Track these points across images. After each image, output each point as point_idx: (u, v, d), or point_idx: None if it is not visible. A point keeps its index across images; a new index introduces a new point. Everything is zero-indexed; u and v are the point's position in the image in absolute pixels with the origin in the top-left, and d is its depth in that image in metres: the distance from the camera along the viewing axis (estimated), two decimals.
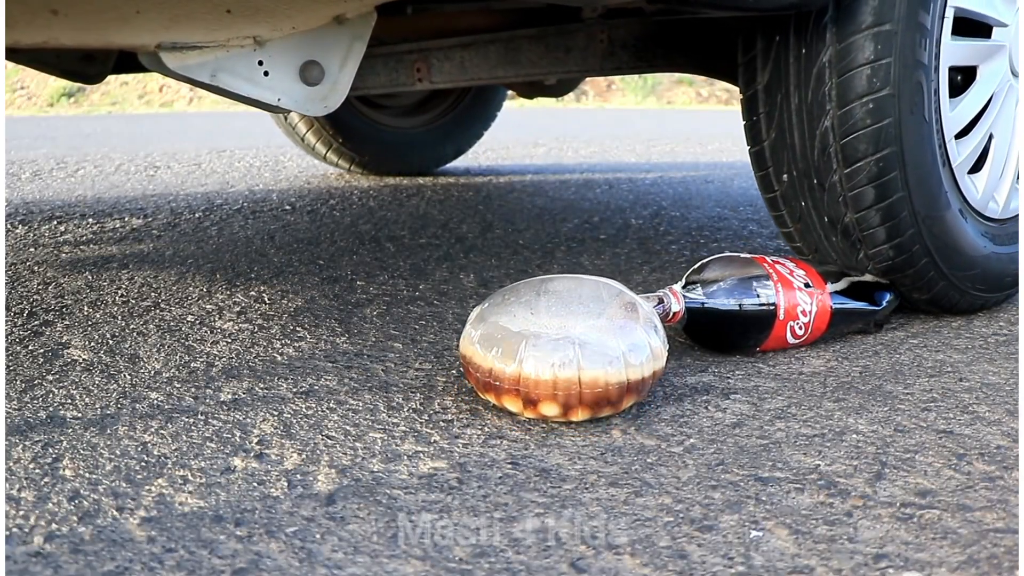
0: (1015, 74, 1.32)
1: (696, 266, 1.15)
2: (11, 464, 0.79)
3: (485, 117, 3.00)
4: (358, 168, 2.87)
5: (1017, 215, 1.38)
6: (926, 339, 1.22)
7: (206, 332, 1.20)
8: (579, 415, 0.88)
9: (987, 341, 1.21)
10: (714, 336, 1.13)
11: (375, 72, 1.83)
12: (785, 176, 1.28)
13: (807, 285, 1.14)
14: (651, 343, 0.91)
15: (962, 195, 1.28)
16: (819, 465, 0.82)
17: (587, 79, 7.29)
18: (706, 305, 1.08)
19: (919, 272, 1.23)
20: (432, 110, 2.88)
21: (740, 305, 1.09)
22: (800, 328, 1.13)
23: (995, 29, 1.27)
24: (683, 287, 1.11)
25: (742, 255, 1.16)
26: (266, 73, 1.02)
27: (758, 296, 1.09)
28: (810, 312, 1.13)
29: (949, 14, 1.21)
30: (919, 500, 0.76)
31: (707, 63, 1.62)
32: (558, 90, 2.48)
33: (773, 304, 1.10)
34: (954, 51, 1.23)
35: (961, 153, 1.27)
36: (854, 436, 0.89)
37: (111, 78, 7.44)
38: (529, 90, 2.38)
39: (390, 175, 2.88)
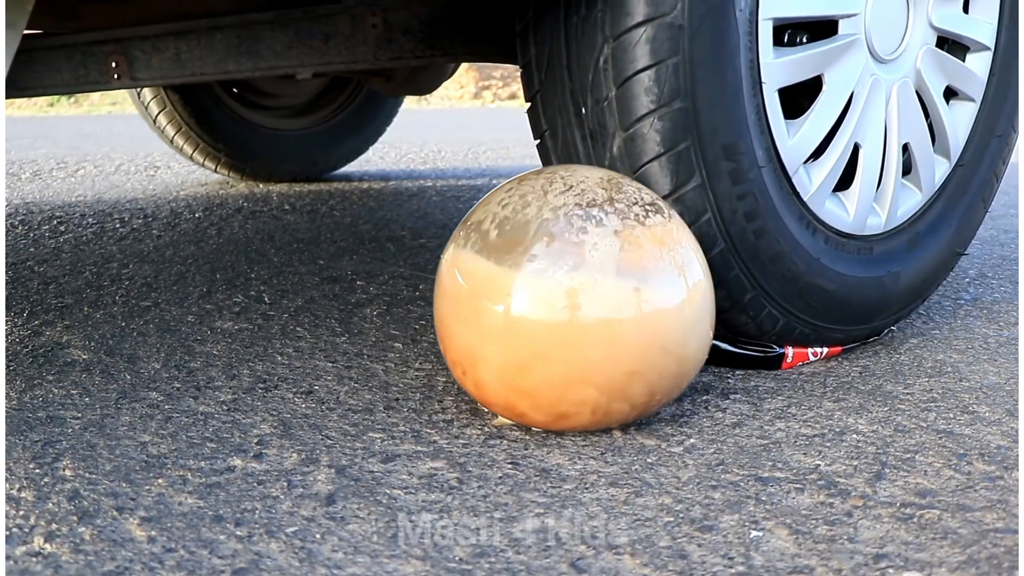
0: (880, 60, 1.12)
1: None
2: (11, 464, 0.79)
3: (383, 114, 2.76)
4: (240, 175, 2.66)
5: (912, 220, 1.21)
6: (926, 339, 1.22)
7: (206, 332, 1.20)
8: None
9: (987, 341, 1.21)
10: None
11: (56, 69, 1.44)
12: None
13: None
14: None
15: (823, 224, 1.10)
16: (819, 465, 0.82)
17: None
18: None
19: (747, 305, 1.05)
20: (322, 109, 2.66)
21: None
22: None
23: (841, 23, 1.07)
24: None
25: None
26: None
27: None
28: None
29: (764, 28, 1.00)
30: (919, 500, 0.76)
31: (500, 48, 1.45)
32: (420, 87, 2.22)
33: None
34: (780, 70, 1.03)
35: (815, 180, 1.08)
36: (854, 436, 0.89)
37: None
38: (388, 87, 2.15)
39: (280, 182, 2.68)
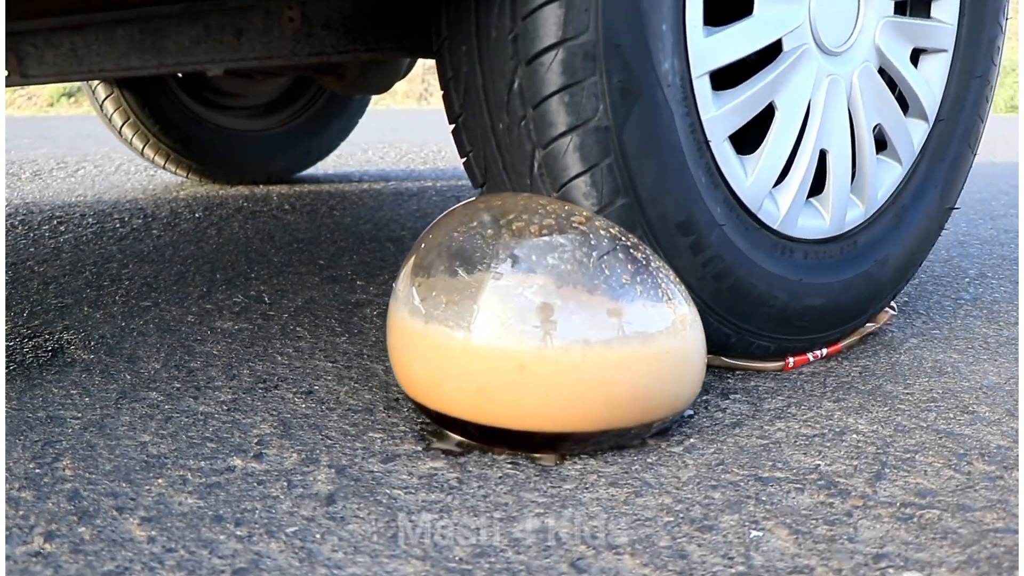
0: (834, 54, 1.06)
1: None
2: (11, 464, 0.79)
3: (349, 113, 2.69)
4: (201, 177, 2.59)
5: (895, 195, 1.16)
6: (926, 339, 1.22)
7: (206, 332, 1.20)
8: None
9: (987, 341, 1.21)
10: None
11: None
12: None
13: None
14: None
15: (799, 241, 1.06)
16: (819, 465, 0.82)
17: None
18: None
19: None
20: (286, 109, 2.59)
21: None
22: None
23: (785, 40, 1.01)
24: None
25: None
26: None
27: None
28: None
29: (700, 85, 0.95)
30: (919, 500, 0.76)
31: (429, 43, 1.36)
32: (373, 85, 2.14)
33: None
34: (725, 119, 0.97)
35: (783, 205, 1.04)
36: (854, 436, 0.89)
37: None
38: (339, 85, 2.08)
39: (241, 183, 2.61)
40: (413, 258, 0.88)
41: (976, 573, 0.65)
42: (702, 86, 0.95)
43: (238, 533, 0.68)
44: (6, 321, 1.23)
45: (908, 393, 1.02)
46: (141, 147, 2.50)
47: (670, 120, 0.93)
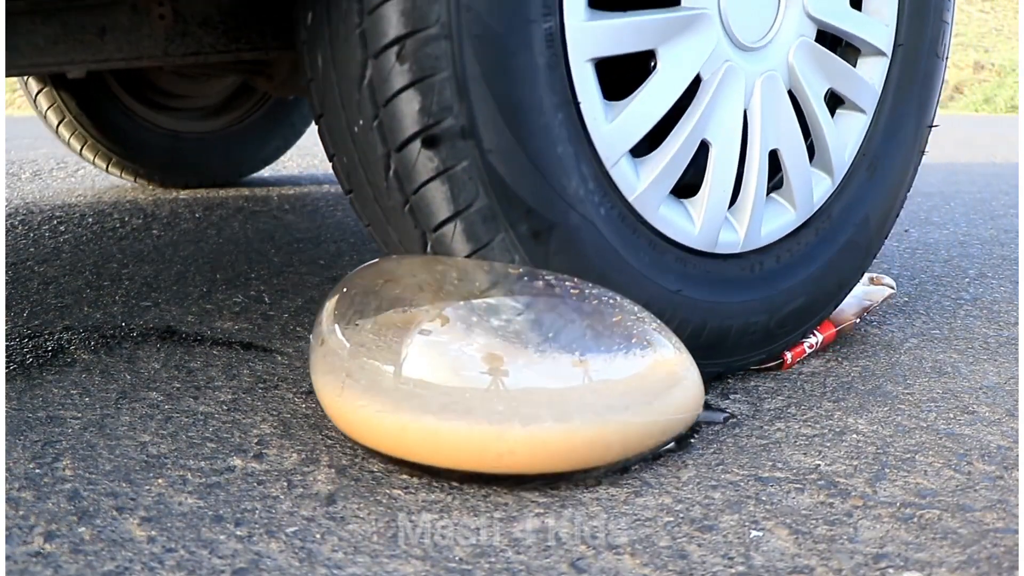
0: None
1: None
2: (11, 464, 0.79)
3: (299, 114, 2.58)
4: (148, 181, 2.50)
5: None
6: (926, 339, 1.22)
7: (206, 332, 1.20)
8: None
9: (987, 341, 1.21)
10: None
11: None
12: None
13: None
14: None
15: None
16: (819, 465, 0.82)
17: None
18: None
19: None
20: (235, 111, 2.47)
21: None
22: None
23: None
24: None
25: None
26: None
27: None
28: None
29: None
30: (919, 500, 0.76)
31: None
32: (282, 88, 2.02)
33: None
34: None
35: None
36: (854, 436, 0.89)
37: None
38: (270, 86, 1.96)
39: (189, 187, 2.52)
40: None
41: (976, 573, 0.65)
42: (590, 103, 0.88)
43: (238, 533, 0.68)
44: (6, 321, 1.23)
45: (908, 393, 1.02)
46: (79, 148, 2.39)
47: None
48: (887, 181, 1.14)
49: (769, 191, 1.06)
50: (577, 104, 0.88)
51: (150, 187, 2.53)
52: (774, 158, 1.03)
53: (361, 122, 0.87)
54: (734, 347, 1.02)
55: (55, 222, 2.03)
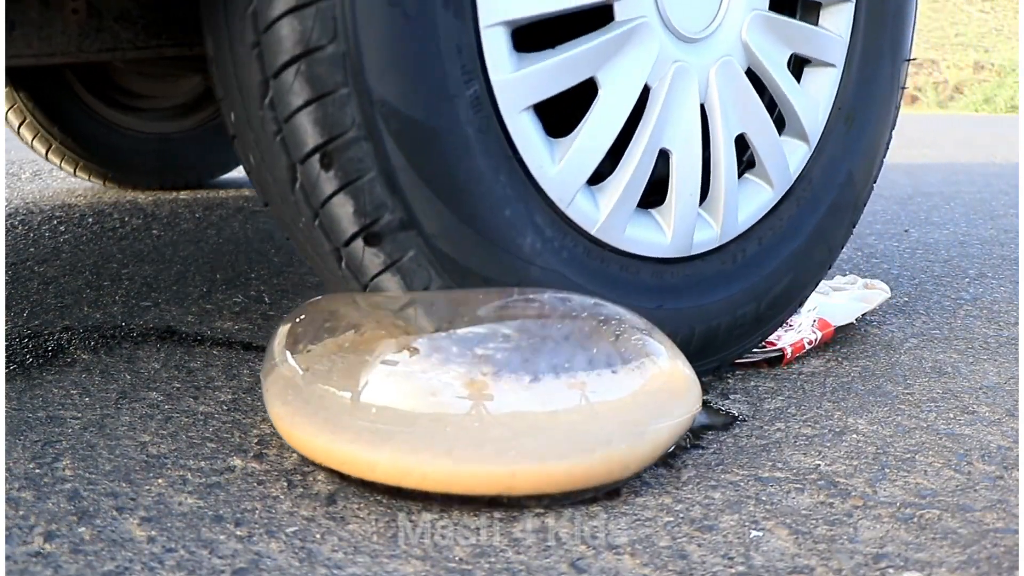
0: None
1: None
2: (11, 464, 0.79)
3: None
4: (119, 184, 2.43)
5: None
6: (926, 339, 1.22)
7: (206, 332, 1.20)
8: None
9: (987, 341, 1.21)
10: None
11: None
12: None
13: None
14: None
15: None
16: (819, 465, 0.82)
17: None
18: None
19: None
20: (203, 111, 2.41)
21: None
22: None
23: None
24: None
25: None
26: None
27: None
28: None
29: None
30: (919, 500, 0.76)
31: None
32: None
33: None
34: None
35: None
36: (854, 436, 0.89)
37: None
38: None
39: (161, 188, 2.45)
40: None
41: (976, 573, 0.65)
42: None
43: (238, 533, 0.68)
44: (6, 321, 1.23)
45: (908, 393, 1.02)
46: (45, 151, 2.32)
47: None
48: (868, 130, 1.09)
49: (742, 172, 1.02)
50: (519, 158, 0.84)
51: (137, 189, 2.48)
52: (743, 139, 1.00)
53: (303, 220, 0.85)
54: (725, 342, 1.01)
55: (55, 222, 2.03)
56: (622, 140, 0.91)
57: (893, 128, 1.13)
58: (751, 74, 0.99)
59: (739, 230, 1.01)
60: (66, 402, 0.94)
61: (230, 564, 0.64)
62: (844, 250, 1.88)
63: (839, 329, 1.19)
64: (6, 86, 2.22)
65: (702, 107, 0.95)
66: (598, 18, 0.87)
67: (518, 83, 0.83)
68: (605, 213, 0.90)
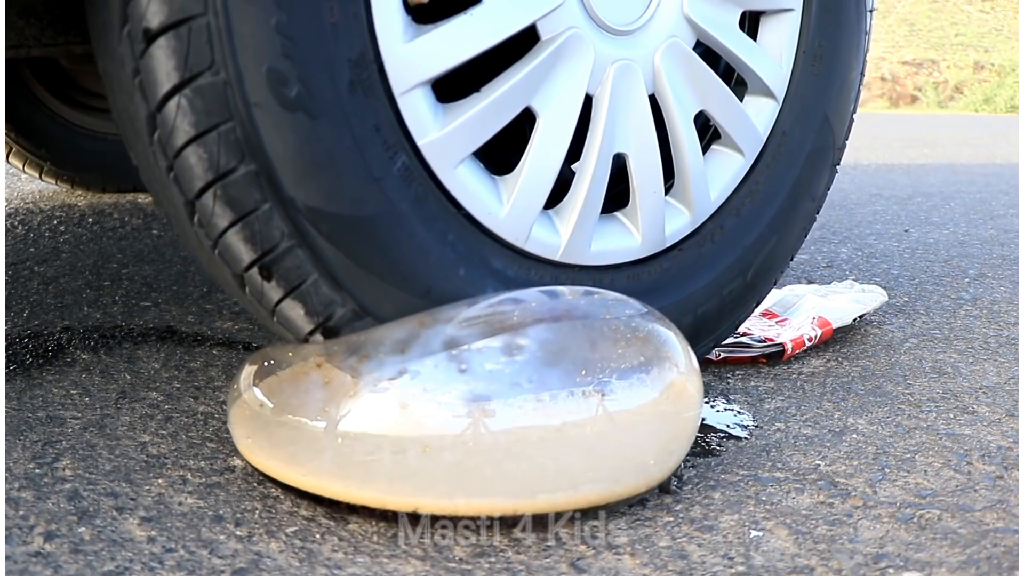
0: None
1: None
2: (11, 464, 0.79)
3: None
4: (86, 188, 2.36)
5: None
6: (926, 339, 1.22)
7: (206, 332, 1.20)
8: None
9: (987, 341, 1.21)
10: None
11: None
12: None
13: None
14: None
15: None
16: (819, 465, 0.82)
17: None
18: None
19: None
20: None
21: None
22: None
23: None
24: None
25: None
26: None
27: None
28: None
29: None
30: (919, 500, 0.76)
31: None
32: None
33: None
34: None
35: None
36: (854, 436, 0.89)
37: None
38: None
39: (137, 191, 2.37)
40: None
41: (976, 573, 0.65)
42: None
43: (238, 533, 0.68)
44: (6, 321, 1.23)
45: (908, 393, 1.02)
46: (6, 154, 2.22)
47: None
48: (838, 67, 1.03)
49: (709, 143, 0.98)
50: (465, 212, 0.81)
51: (92, 195, 2.39)
52: (704, 114, 0.95)
53: (264, 316, 0.81)
54: (718, 322, 0.98)
55: (55, 222, 2.03)
56: (573, 150, 0.86)
57: (865, 57, 1.06)
58: (701, 47, 0.94)
59: (713, 207, 0.96)
60: (66, 402, 0.94)
61: (230, 564, 0.64)
62: (844, 250, 1.88)
63: (838, 330, 1.19)
64: None
65: (652, 98, 0.90)
66: (523, 42, 0.81)
67: (448, 140, 0.78)
68: (567, 236, 0.86)
